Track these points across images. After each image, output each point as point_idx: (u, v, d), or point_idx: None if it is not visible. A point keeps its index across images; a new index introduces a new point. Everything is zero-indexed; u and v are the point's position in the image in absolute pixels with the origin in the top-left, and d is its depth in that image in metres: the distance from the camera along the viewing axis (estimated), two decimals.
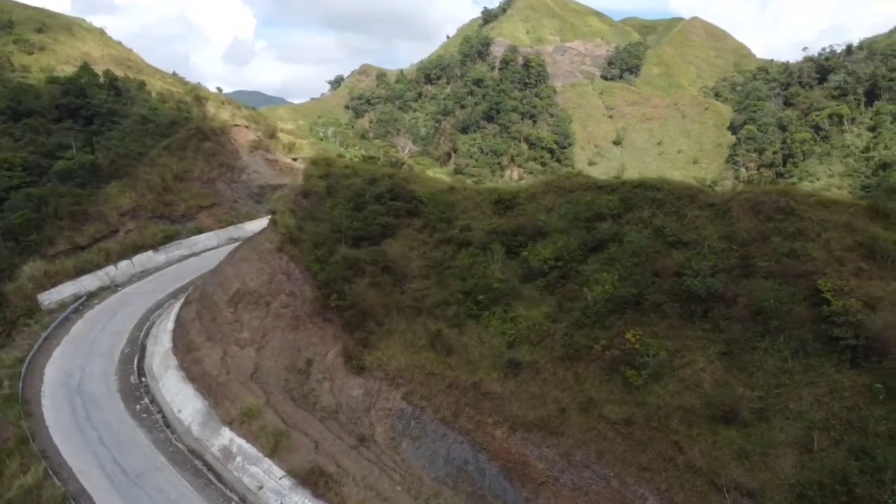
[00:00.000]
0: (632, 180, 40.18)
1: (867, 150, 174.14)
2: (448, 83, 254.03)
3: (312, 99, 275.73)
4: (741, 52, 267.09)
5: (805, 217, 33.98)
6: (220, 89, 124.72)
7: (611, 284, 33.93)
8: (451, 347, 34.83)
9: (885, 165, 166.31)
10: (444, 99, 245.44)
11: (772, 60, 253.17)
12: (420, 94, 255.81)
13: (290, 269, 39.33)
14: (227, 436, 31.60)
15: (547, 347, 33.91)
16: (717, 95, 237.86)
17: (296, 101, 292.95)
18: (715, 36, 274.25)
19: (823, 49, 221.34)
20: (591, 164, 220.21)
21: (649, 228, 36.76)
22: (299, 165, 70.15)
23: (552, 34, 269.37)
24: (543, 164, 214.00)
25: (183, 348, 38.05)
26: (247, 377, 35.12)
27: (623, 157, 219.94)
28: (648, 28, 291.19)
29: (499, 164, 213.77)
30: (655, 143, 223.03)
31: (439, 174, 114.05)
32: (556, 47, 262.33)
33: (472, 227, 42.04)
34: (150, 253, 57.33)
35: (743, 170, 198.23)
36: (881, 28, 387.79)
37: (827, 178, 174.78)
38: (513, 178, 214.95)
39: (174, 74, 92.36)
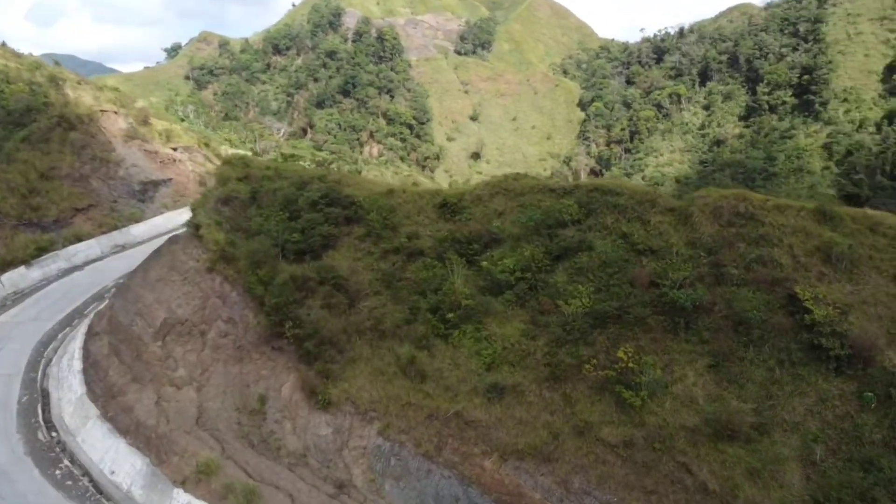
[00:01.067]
0: (586, 183, 39.20)
1: (703, 127, 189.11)
2: (299, 54, 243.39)
3: (147, 68, 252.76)
4: (584, 30, 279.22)
5: (765, 222, 34.56)
6: (31, 54, 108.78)
7: (587, 297, 32.79)
8: (424, 373, 32.18)
9: (718, 142, 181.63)
10: (296, 71, 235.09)
11: (612, 40, 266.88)
12: (269, 66, 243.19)
13: (226, 292, 34.40)
14: (183, 500, 26.93)
15: (529, 368, 32.20)
16: (564, 73, 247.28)
17: (121, 69, 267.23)
18: (559, 14, 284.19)
19: (659, 31, 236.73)
20: (449, 139, 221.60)
21: (614, 235, 35.97)
22: (180, 157, 62.59)
23: (403, 6, 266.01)
24: (403, 140, 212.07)
25: (103, 393, 32.06)
26: (192, 424, 30.23)
27: (480, 133, 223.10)
28: (496, 3, 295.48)
29: (358, 140, 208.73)
30: (510, 118, 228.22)
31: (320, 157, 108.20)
32: (407, 20, 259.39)
33: (420, 234, 39.23)
34: (21, 269, 47.99)
35: (593, 145, 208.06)
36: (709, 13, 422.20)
37: (669, 154, 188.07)
38: (372, 154, 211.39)
39: (2, 45, 79.22)
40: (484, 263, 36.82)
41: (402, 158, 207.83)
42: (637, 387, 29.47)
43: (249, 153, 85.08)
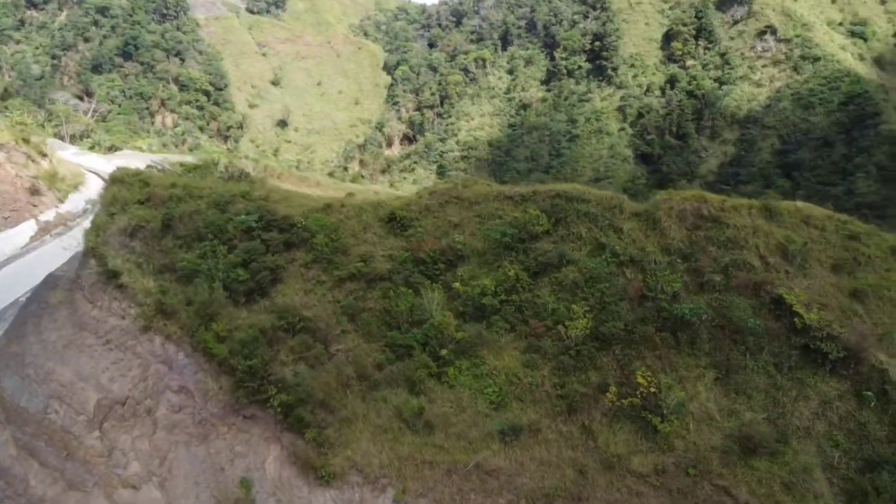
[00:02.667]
0: (544, 189, 37.05)
1: (509, 91, 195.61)
2: (61, 9, 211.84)
3: None
4: None
5: (729, 224, 35.14)
6: None
7: (584, 317, 31.21)
8: (431, 423, 28.70)
9: (524, 106, 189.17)
10: (60, 30, 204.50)
11: (409, 1, 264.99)
12: (22, 22, 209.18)
13: (171, 356, 27.59)
14: None
15: (540, 402, 30.04)
16: (365, 34, 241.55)
17: None
18: None
19: None
20: (251, 106, 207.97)
21: (589, 246, 34.58)
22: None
23: None
24: (201, 109, 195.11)
25: None
26: None
27: (285, 99, 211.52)
28: None
29: (147, 109, 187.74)
30: (315, 83, 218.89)
31: (140, 143, 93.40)
32: None
33: (374, 254, 34.88)
34: None
35: (403, 110, 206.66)
36: None
37: (480, 118, 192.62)
38: (165, 124, 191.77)
39: None
40: (456, 285, 33.60)
41: (200, 129, 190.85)
42: (663, 411, 28.62)
43: (55, 138, 70.97)
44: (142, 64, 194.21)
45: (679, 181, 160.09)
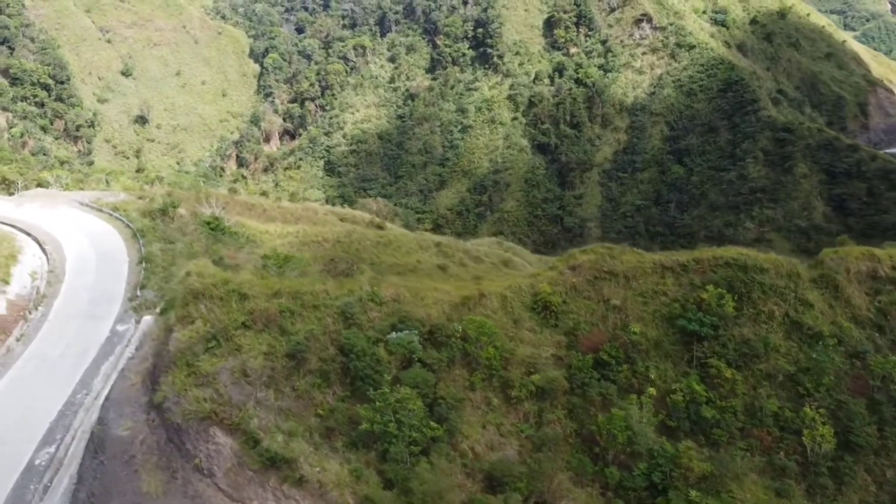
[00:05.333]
0: (706, 256, 31.42)
1: (393, 80, 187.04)
2: None
3: None
4: None
5: None
6: None
7: (820, 422, 26.37)
8: None
9: (411, 96, 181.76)
10: None
11: None
12: None
13: None
14: None
15: None
16: (223, 18, 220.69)
17: None
18: None
19: None
20: (100, 100, 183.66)
21: (783, 326, 29.68)
22: None
23: None
24: (41, 105, 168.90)
25: None
26: None
27: (139, 91, 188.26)
28: None
29: None
30: (173, 73, 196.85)
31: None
32: None
33: (540, 359, 27.91)
34: None
35: (278, 102, 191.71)
36: None
37: (365, 109, 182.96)
38: None
39: None
40: (650, 390, 27.43)
41: (43, 129, 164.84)
42: None
43: None
44: None
45: (577, 171, 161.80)
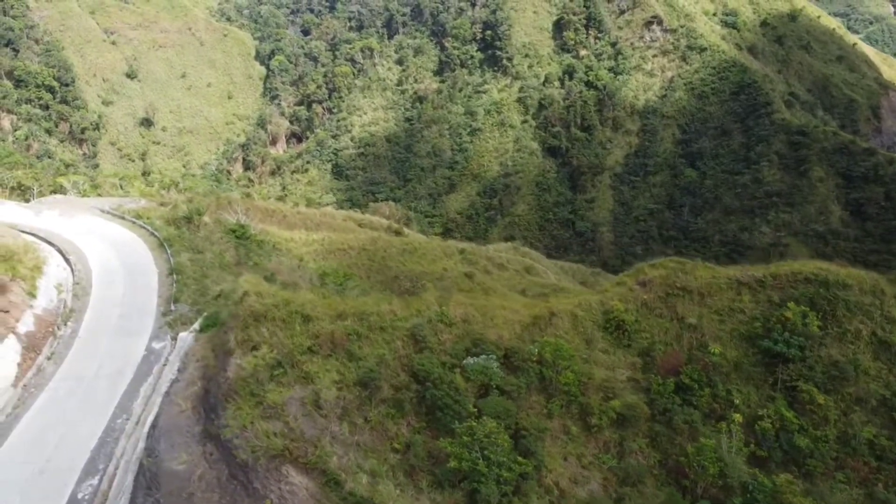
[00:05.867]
0: (784, 272, 29.65)
1: (401, 83, 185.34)
2: None
3: None
4: None
5: None
6: None
7: None
8: None
9: (420, 98, 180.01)
10: None
11: None
12: None
13: None
14: None
15: None
16: (229, 20, 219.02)
17: None
18: None
19: None
20: (105, 103, 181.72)
21: (871, 346, 27.85)
22: None
23: None
24: (46, 108, 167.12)
25: None
26: None
27: (144, 94, 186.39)
28: None
29: None
30: (178, 75, 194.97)
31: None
32: None
33: (616, 382, 26.12)
34: None
35: (284, 105, 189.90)
36: None
37: (373, 112, 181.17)
38: (2, 127, 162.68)
39: None
40: (737, 417, 25.64)
41: (48, 131, 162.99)
42: None
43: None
44: None
45: (588, 174, 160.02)
